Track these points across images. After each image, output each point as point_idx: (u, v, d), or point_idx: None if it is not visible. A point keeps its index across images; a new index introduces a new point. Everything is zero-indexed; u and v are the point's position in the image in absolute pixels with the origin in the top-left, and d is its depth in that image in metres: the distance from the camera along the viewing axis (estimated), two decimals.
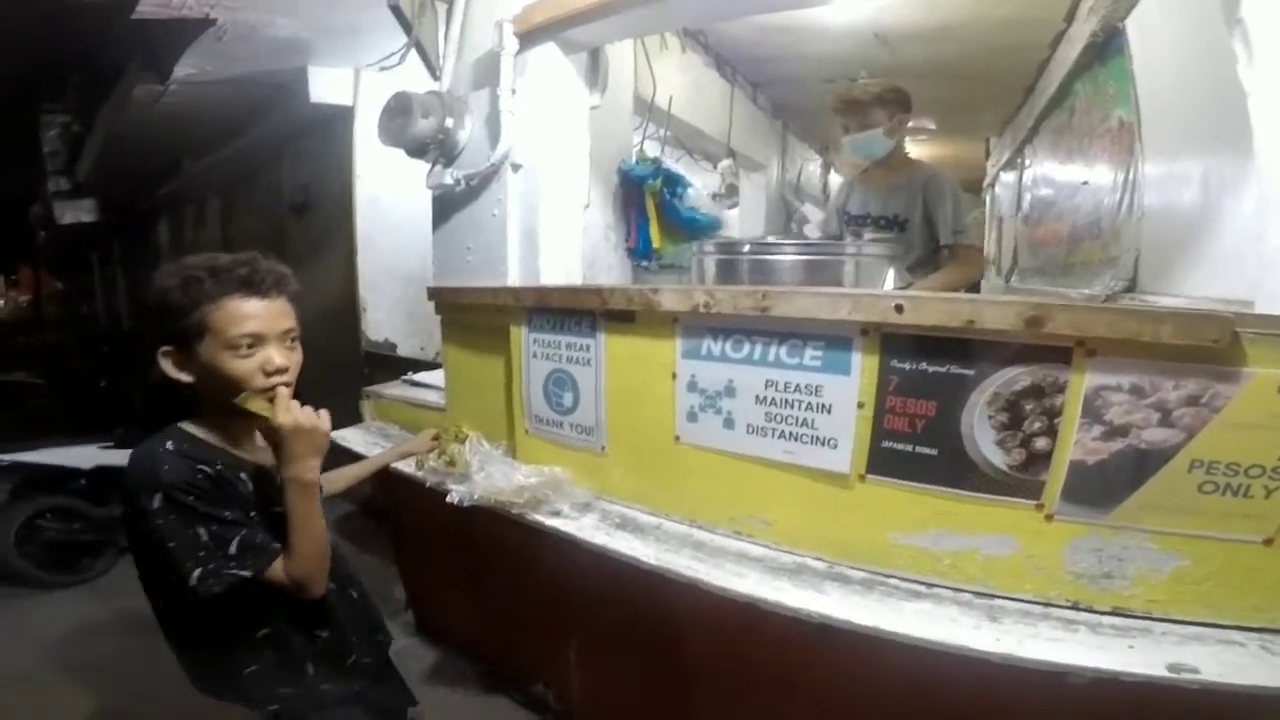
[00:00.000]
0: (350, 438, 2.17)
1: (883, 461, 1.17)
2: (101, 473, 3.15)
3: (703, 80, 3.65)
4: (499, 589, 1.95)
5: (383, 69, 3.15)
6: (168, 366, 1.02)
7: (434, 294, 2.05)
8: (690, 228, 2.45)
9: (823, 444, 1.23)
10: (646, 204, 2.42)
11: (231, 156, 4.83)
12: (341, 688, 1.28)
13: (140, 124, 4.37)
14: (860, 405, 1.18)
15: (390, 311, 3.63)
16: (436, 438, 1.90)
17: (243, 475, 1.08)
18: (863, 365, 1.16)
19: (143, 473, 1.00)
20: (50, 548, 3.02)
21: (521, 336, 1.72)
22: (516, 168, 1.92)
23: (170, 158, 5.67)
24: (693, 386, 1.36)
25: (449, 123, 1.98)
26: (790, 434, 1.25)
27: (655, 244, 2.34)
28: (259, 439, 1.10)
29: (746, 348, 1.28)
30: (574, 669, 1.84)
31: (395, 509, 2.31)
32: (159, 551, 1.00)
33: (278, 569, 1.03)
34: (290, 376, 1.04)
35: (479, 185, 1.98)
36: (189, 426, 1.08)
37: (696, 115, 3.47)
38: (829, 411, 1.21)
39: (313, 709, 1.23)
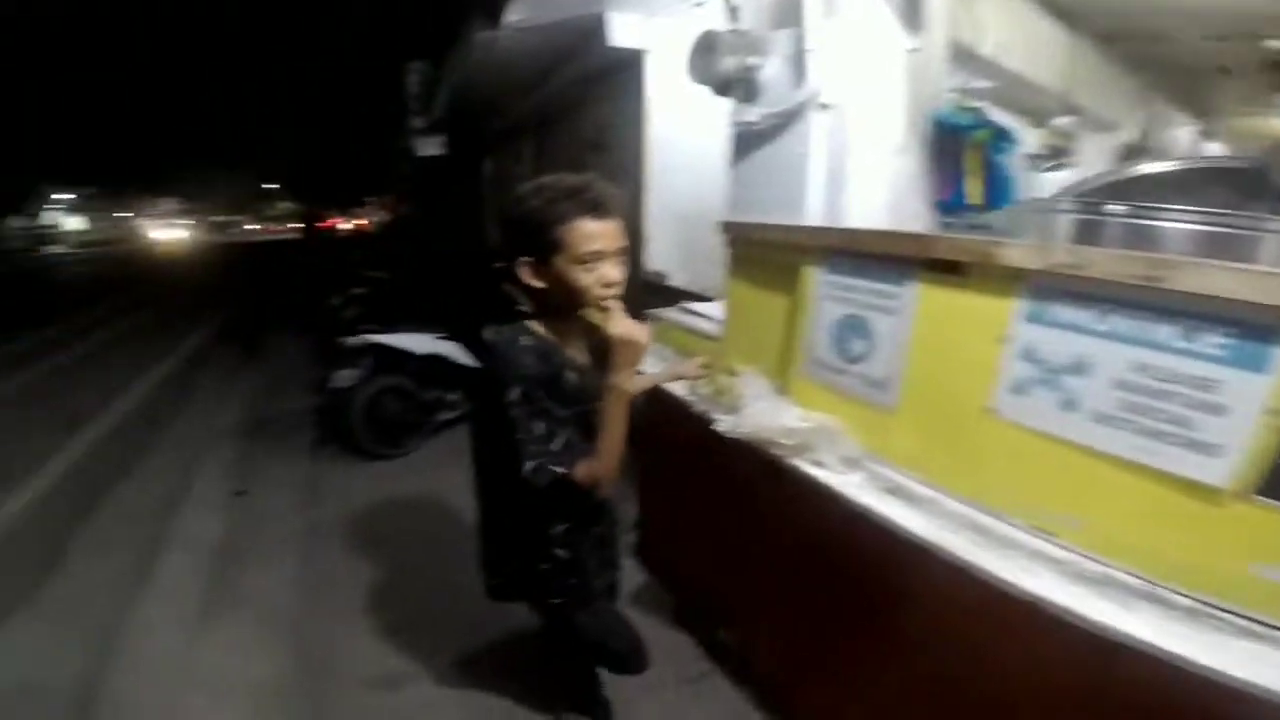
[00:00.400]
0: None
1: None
2: (431, 359, 3.73)
3: (1038, 30, 3.09)
4: (723, 527, 1.96)
5: (696, 4, 3.22)
6: (525, 274, 1.17)
7: (727, 228, 2.09)
8: (1008, 186, 2.13)
9: (1198, 449, 0.99)
10: (967, 157, 2.16)
11: (541, 100, 5.43)
12: (603, 580, 1.46)
13: (477, 68, 5.11)
14: (1271, 412, 0.93)
15: (667, 245, 3.83)
16: (707, 365, 1.96)
17: (570, 374, 1.21)
18: None
19: (508, 365, 1.15)
20: (383, 422, 3.60)
21: (815, 277, 1.68)
22: (824, 107, 1.86)
23: (496, 100, 6.57)
24: (1029, 355, 1.19)
25: (753, 61, 1.98)
26: (1153, 430, 1.04)
27: (974, 200, 2.08)
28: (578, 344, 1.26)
29: (1116, 321, 1.07)
30: (773, 626, 1.82)
31: (649, 428, 2.44)
32: (505, 438, 1.15)
33: (580, 468, 1.15)
34: (620, 290, 1.16)
35: (782, 124, 1.96)
36: (535, 326, 1.23)
37: (1027, 64, 2.97)
38: (1220, 413, 0.97)
39: (583, 602, 1.40)
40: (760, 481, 1.70)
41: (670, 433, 2.12)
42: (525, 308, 1.25)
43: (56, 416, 4.11)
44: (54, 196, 33.70)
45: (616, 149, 4.40)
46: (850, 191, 1.81)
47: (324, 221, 33.45)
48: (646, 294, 3.65)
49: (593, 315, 1.18)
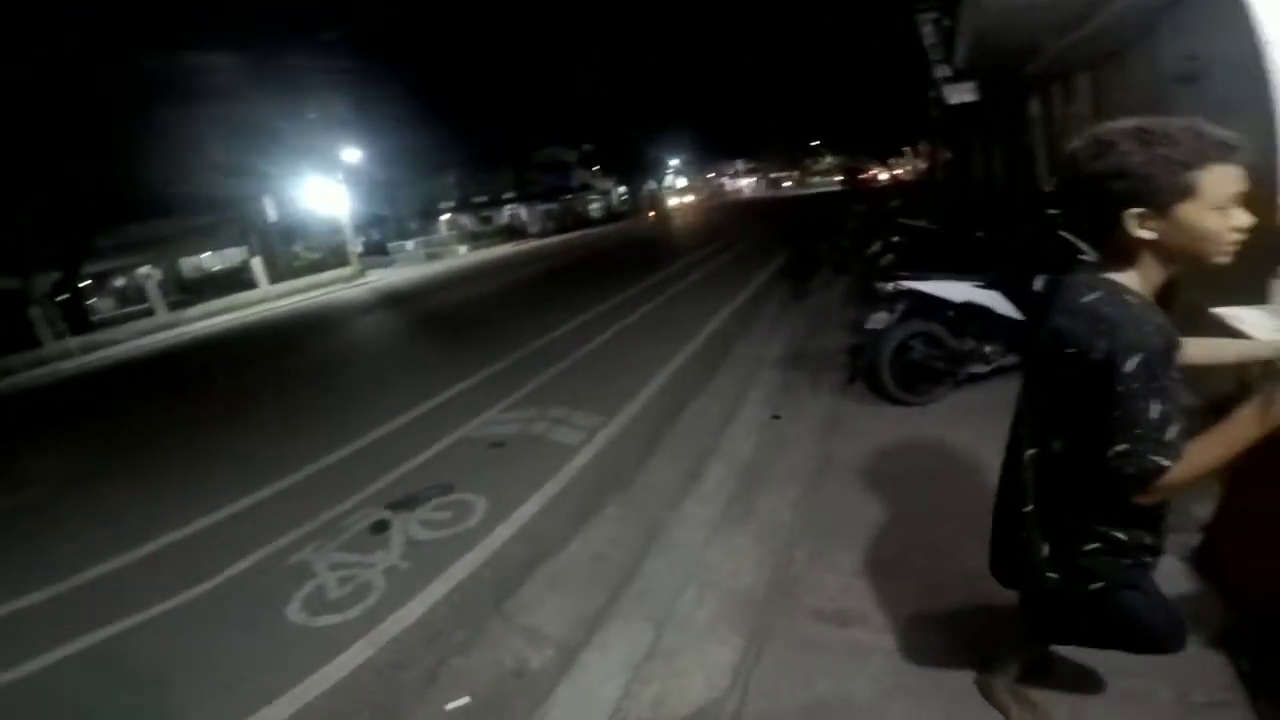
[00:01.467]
0: (1244, 317, 1.79)
1: None
2: (967, 308, 3.50)
3: None
4: None
5: None
6: (1133, 225, 1.03)
7: None
8: None
9: None
10: None
11: (1095, 34, 4.63)
12: (1153, 556, 1.24)
13: (999, 13, 4.72)
14: None
15: None
16: None
17: (1178, 351, 1.05)
18: None
19: (1127, 330, 1.01)
20: (910, 368, 3.47)
21: None
22: None
23: (1033, 41, 5.86)
24: None
25: None
26: None
27: None
28: None
29: None
30: None
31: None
32: (1096, 412, 1.03)
33: (1180, 466, 1.00)
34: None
35: None
36: (1130, 285, 1.08)
37: None
38: None
39: (1133, 583, 1.24)
40: None
41: None
42: (1093, 260, 1.14)
43: (670, 335, 6.21)
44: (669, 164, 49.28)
45: (1218, 80, 3.47)
46: None
47: (864, 173, 34.92)
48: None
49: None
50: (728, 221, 21.78)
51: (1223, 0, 3.14)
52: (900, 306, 3.61)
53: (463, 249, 28.15)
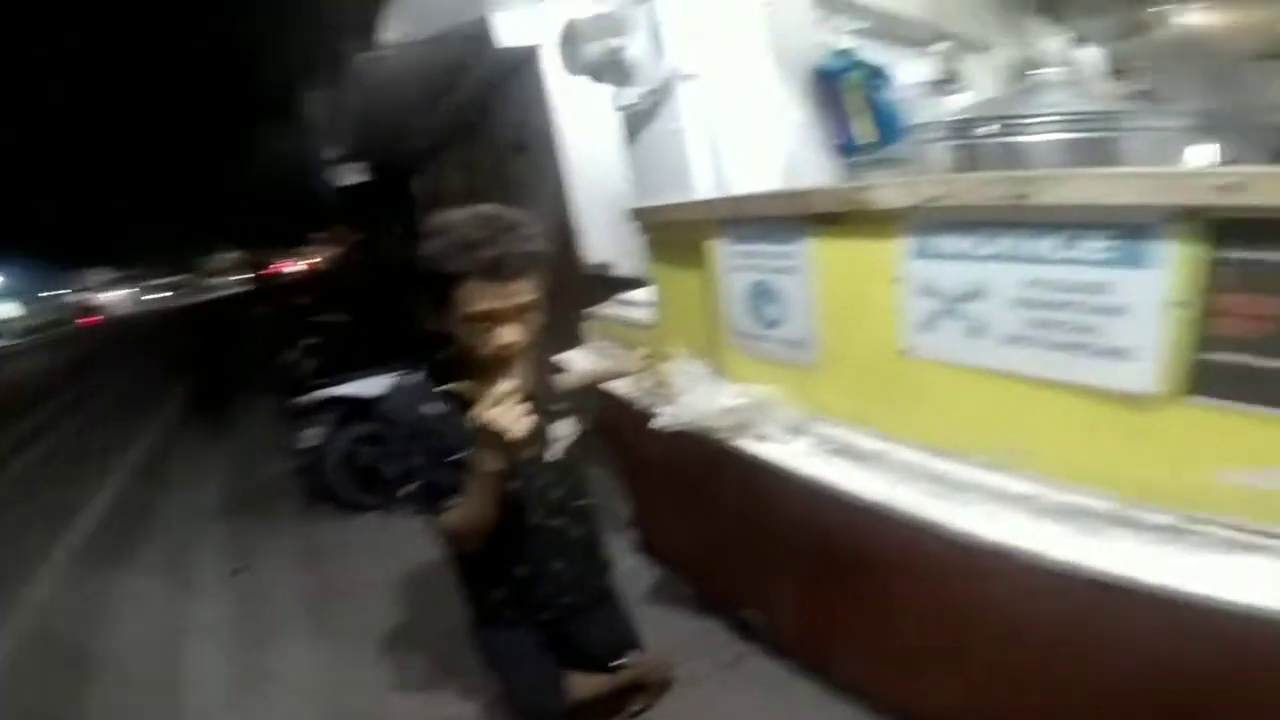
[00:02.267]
0: (574, 359, 2.23)
1: (1211, 378, 0.87)
2: None
3: None
4: (710, 514, 1.92)
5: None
6: (428, 317, 1.10)
7: (634, 214, 2.02)
8: (896, 120, 2.08)
9: (1112, 356, 0.95)
10: (848, 99, 2.10)
11: (453, 110, 5.27)
12: (529, 615, 1.34)
13: (370, 91, 4.90)
14: (1178, 305, 0.88)
15: (604, 236, 3.71)
16: (648, 356, 1.87)
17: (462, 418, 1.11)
18: (1179, 256, 0.86)
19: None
20: (363, 472, 3.40)
21: (718, 249, 1.62)
22: (687, 79, 1.79)
23: (406, 119, 6.37)
24: (927, 290, 1.14)
25: (615, 43, 1.90)
26: (1064, 344, 0.99)
27: (866, 139, 2.02)
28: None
29: (999, 242, 1.03)
30: (784, 599, 1.78)
31: (615, 428, 2.39)
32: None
33: (444, 518, 1.11)
34: (520, 347, 1.07)
35: (657, 101, 1.89)
36: (433, 362, 1.20)
37: (890, 2, 2.88)
38: (1121, 314, 0.93)
39: (496, 627, 1.33)
40: (720, 463, 1.65)
41: (631, 429, 2.06)
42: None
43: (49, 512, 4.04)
44: None
45: (536, 148, 4.28)
46: (732, 157, 1.75)
47: (270, 267, 32.27)
48: (593, 288, 3.59)
49: (467, 391, 1.11)
50: (99, 352, 15.68)
51: (530, 76, 3.89)
52: (331, 416, 3.42)
53: None
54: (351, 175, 9.99)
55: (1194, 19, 2.13)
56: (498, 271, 1.01)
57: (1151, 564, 0.90)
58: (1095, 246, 0.92)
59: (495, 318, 1.04)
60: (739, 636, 1.96)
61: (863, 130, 1.97)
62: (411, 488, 1.13)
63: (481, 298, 1.02)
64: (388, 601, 2.61)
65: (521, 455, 1.07)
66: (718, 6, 1.75)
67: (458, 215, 1.07)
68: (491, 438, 0.98)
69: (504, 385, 0.98)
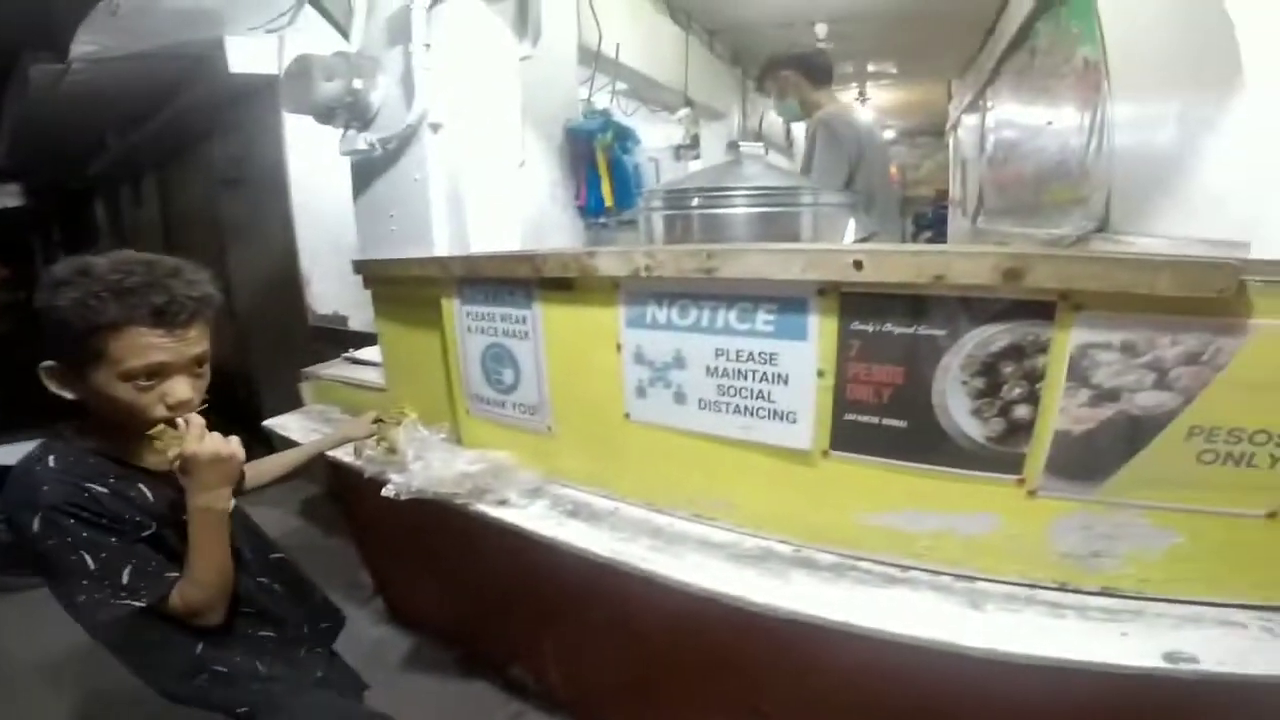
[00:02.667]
0: (289, 425, 2.02)
1: (847, 436, 1.05)
2: None
3: (655, 27, 3.41)
4: (462, 577, 1.84)
5: (269, 31, 2.89)
6: (51, 383, 0.92)
7: (359, 267, 1.87)
8: (634, 184, 2.28)
9: (781, 418, 1.10)
10: (597, 159, 2.24)
11: (160, 131, 4.47)
12: (301, 675, 1.18)
13: (49, 104, 4.03)
14: (820, 374, 1.05)
15: (337, 283, 3.37)
16: (378, 420, 1.74)
17: (141, 486, 0.97)
18: (821, 329, 1.03)
19: (20, 492, 0.91)
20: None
21: (454, 309, 1.56)
22: (436, 128, 1.75)
23: (93, 136, 5.26)
24: (639, 358, 1.22)
25: (358, 84, 1.79)
26: (746, 408, 1.12)
27: (607, 201, 2.16)
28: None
29: (694, 314, 1.13)
30: (547, 652, 1.76)
31: (347, 497, 2.16)
32: (44, 575, 0.94)
33: (175, 595, 0.94)
34: (194, 405, 0.95)
35: (397, 149, 1.80)
36: (76, 436, 0.97)
37: (649, 64, 3.24)
38: (786, 382, 1.08)
39: (287, 694, 1.13)
40: (464, 528, 1.56)
41: (365, 497, 1.86)
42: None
43: None
44: None
45: (255, 184, 3.80)
46: (475, 213, 1.72)
47: None
48: (321, 342, 3.23)
49: (165, 440, 0.92)
50: None
51: (260, 107, 3.47)
52: None
53: None
54: (3, 198, 7.88)
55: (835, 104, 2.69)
56: (170, 317, 0.88)
57: (822, 601, 1.02)
58: (766, 319, 1.07)
59: (166, 372, 0.90)
60: (512, 694, 1.90)
61: (606, 192, 2.10)
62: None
63: (149, 349, 0.88)
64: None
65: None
66: (476, 56, 1.73)
67: (100, 260, 0.91)
68: (220, 467, 0.93)
69: (194, 419, 0.92)
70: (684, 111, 3.53)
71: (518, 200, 1.92)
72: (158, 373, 0.90)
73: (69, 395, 0.93)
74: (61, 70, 3.42)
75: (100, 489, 0.92)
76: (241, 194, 3.95)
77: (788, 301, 1.05)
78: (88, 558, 0.91)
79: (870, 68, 5.33)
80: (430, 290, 1.61)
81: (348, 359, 2.24)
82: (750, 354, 1.09)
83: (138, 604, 0.92)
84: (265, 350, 4.04)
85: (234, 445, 0.96)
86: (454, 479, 1.53)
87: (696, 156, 3.70)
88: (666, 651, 1.37)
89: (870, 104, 6.00)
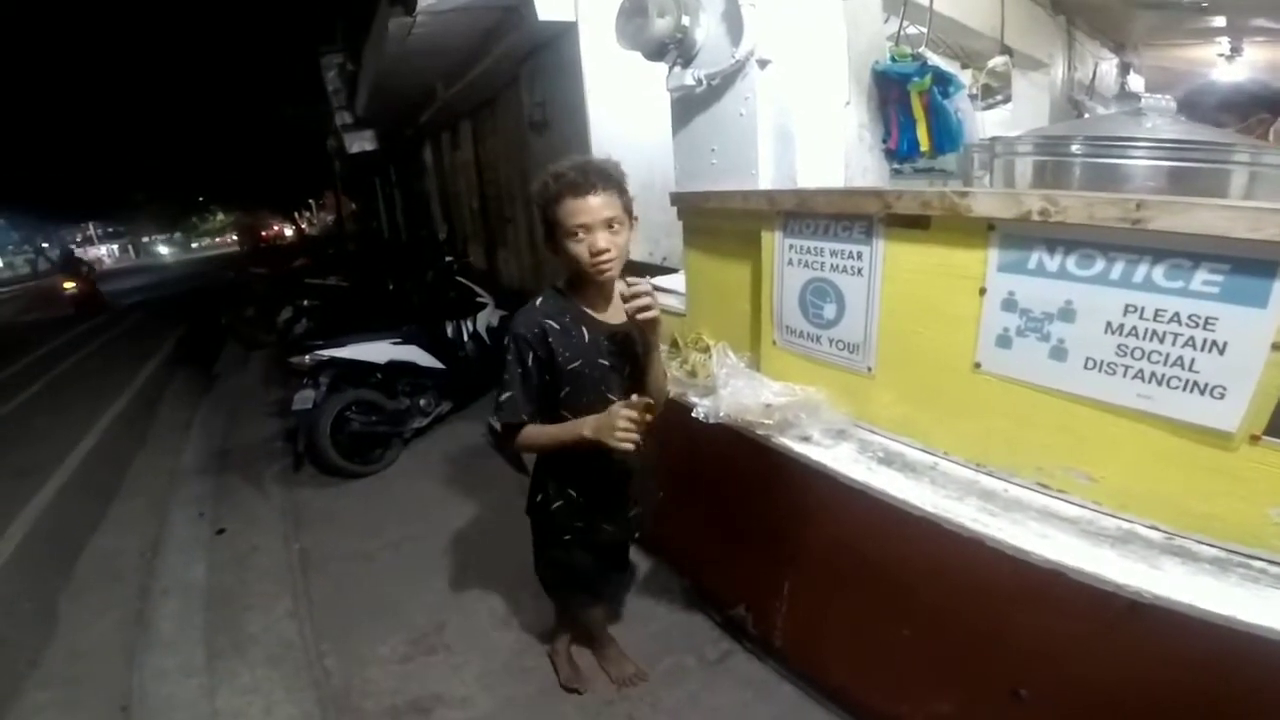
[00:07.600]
0: None
1: None
2: (393, 367, 3.46)
3: None
4: (723, 506, 1.89)
5: None
6: (549, 252, 1.30)
7: (677, 199, 1.98)
8: (954, 130, 2.05)
9: (1203, 391, 0.94)
10: (912, 103, 2.07)
11: (476, 80, 5.15)
12: (592, 535, 1.52)
13: (398, 57, 4.81)
14: (1276, 347, 0.87)
15: None
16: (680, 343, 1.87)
17: (584, 328, 1.32)
18: None
19: (514, 317, 1.34)
20: (354, 438, 3.33)
21: (775, 242, 1.59)
22: (764, 64, 1.75)
23: (427, 88, 6.25)
24: (1010, 305, 1.12)
25: (685, 20, 1.85)
26: (1153, 375, 0.98)
27: (923, 146, 2.00)
28: (612, 304, 1.35)
29: (1100, 264, 1.00)
30: (785, 600, 1.73)
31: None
32: None
33: (527, 432, 1.32)
34: (616, 253, 1.23)
35: (721, 85, 1.84)
36: (560, 285, 1.36)
37: (959, 9, 2.89)
38: (1221, 351, 0.92)
39: (565, 547, 1.52)
40: (754, 460, 1.61)
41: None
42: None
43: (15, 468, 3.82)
44: None
45: (558, 126, 4.20)
46: (799, 149, 1.71)
47: (265, 230, 31.89)
48: None
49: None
50: (85, 299, 14.43)
51: (562, 53, 3.83)
52: (325, 378, 3.35)
53: None
54: (361, 143, 9.80)
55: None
56: (581, 186, 1.19)
57: (1201, 593, 0.91)
58: (1209, 279, 0.91)
59: (589, 228, 1.20)
60: (727, 633, 1.93)
61: (921, 137, 1.95)
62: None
63: (574, 212, 1.20)
64: (369, 572, 2.54)
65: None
66: None
67: (558, 163, 1.26)
68: (622, 444, 1.21)
69: (634, 407, 1.20)
70: (999, 59, 3.08)
71: (836, 139, 1.86)
72: (584, 227, 1.19)
73: (558, 258, 1.27)
74: (410, 23, 4.06)
75: (553, 324, 1.29)
76: (546, 136, 4.39)
77: (1242, 263, 0.88)
78: (505, 375, 1.31)
79: (1255, 22, 4.10)
80: (749, 223, 1.65)
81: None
82: (1176, 315, 0.94)
83: (494, 422, 1.33)
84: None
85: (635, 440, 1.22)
86: (760, 408, 1.59)
87: (1000, 104, 3.23)
88: (939, 619, 1.28)
89: (1242, 60, 4.67)
